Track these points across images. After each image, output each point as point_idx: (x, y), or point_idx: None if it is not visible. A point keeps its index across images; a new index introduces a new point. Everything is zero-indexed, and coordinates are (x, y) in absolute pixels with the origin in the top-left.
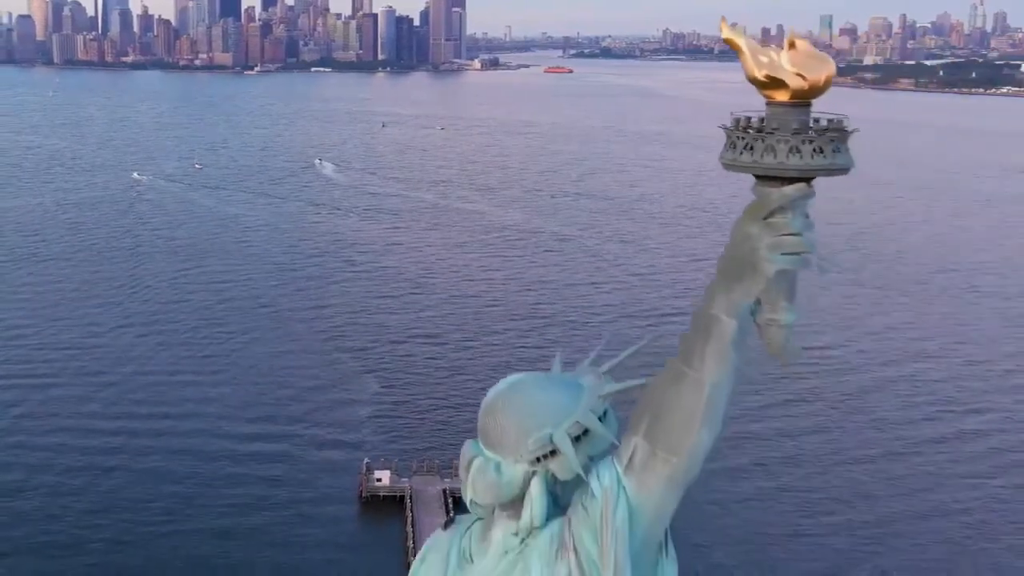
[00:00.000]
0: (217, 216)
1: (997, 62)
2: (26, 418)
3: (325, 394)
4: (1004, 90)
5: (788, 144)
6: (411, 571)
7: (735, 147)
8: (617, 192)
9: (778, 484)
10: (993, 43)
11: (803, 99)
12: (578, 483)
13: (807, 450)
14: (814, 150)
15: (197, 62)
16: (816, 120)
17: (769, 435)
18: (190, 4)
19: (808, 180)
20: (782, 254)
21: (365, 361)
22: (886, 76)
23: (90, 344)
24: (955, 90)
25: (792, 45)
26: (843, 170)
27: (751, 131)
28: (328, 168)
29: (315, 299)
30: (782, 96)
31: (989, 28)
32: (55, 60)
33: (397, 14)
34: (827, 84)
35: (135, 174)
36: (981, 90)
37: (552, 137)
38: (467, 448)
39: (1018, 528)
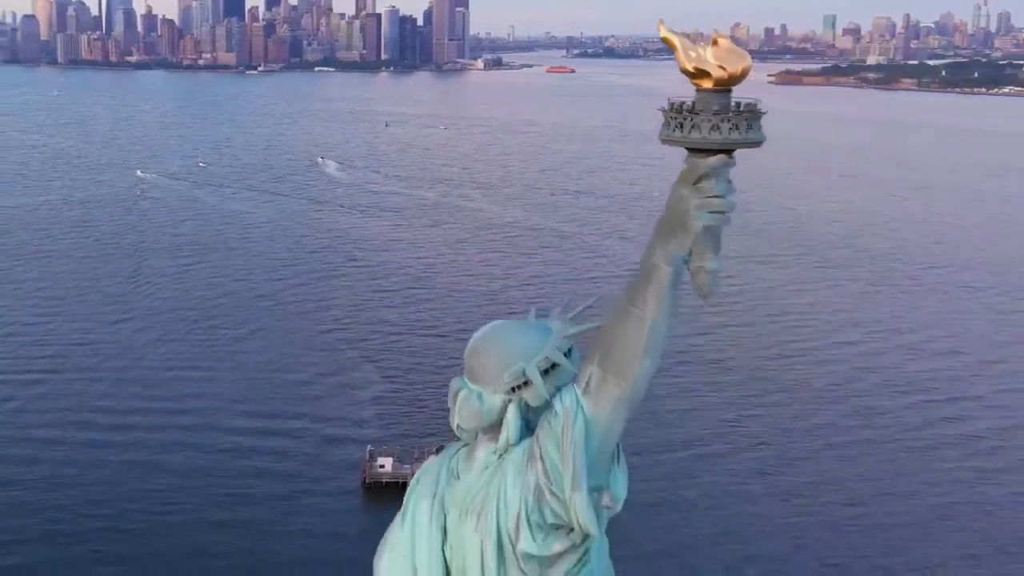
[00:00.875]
0: (221, 213)
1: (1000, 62)
2: (32, 407)
3: (328, 384)
4: (1006, 90)
5: (711, 123)
6: (407, 494)
7: (669, 125)
8: (617, 190)
9: (755, 467)
10: (997, 43)
11: (724, 86)
12: (546, 408)
13: (788, 434)
14: (731, 127)
15: (201, 62)
16: (736, 103)
17: (753, 421)
18: (194, 4)
19: (728, 152)
20: (708, 212)
21: (367, 352)
22: (888, 76)
23: (94, 337)
24: (957, 90)
25: (715, 43)
26: (756, 143)
27: (682, 112)
28: (331, 166)
29: (317, 293)
30: (707, 84)
31: (993, 28)
32: (59, 60)
33: (400, 14)
34: (744, 74)
35: (139, 172)
36: (983, 90)
37: (553, 136)
38: (454, 383)
39: (985, 511)
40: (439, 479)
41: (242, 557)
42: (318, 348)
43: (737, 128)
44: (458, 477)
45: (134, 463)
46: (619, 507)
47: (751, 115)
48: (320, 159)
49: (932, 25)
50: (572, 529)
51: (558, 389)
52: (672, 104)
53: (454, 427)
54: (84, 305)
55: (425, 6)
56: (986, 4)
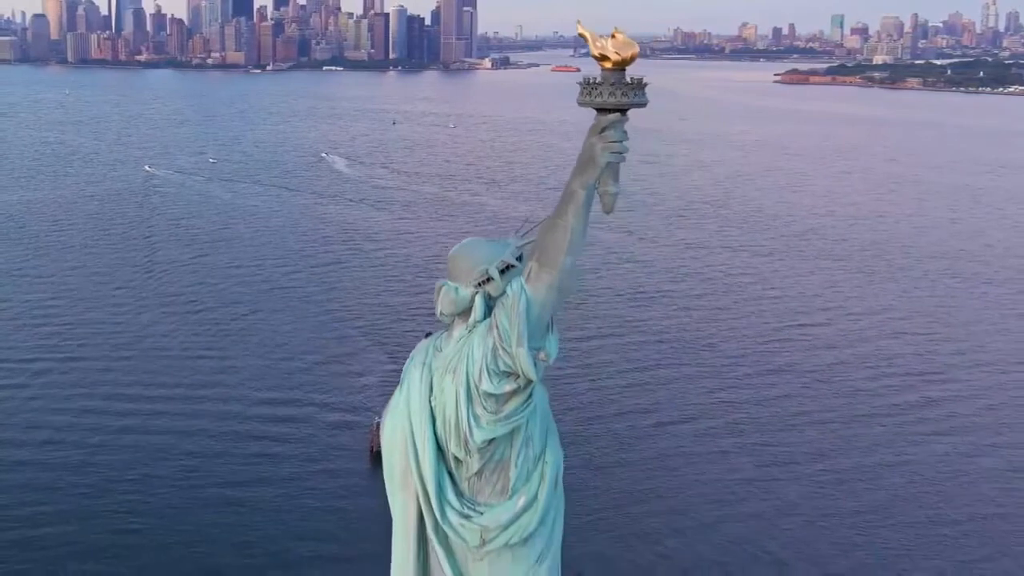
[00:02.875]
0: (231, 206)
1: (1006, 61)
2: (50, 391)
3: (336, 365)
4: (1011, 89)
5: (610, 91)
6: (403, 369)
7: (583, 93)
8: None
9: (743, 441)
10: (1005, 42)
11: (619, 66)
12: (502, 295)
13: (773, 413)
14: (623, 94)
15: (210, 61)
16: (629, 78)
17: (741, 400)
18: (203, 3)
19: (623, 111)
20: (610, 153)
21: (374, 336)
22: (894, 75)
23: (110, 324)
24: (962, 89)
25: (614, 36)
26: (641, 105)
27: (591, 84)
28: (340, 163)
29: (325, 282)
30: (608, 65)
31: (1002, 27)
32: (69, 59)
33: (408, 13)
34: (633, 58)
35: (147, 167)
36: (988, 89)
37: (560, 134)
38: (438, 283)
39: (960, 485)
40: (427, 353)
41: (253, 515)
42: (327, 333)
43: (627, 95)
44: (440, 349)
45: (150, 441)
46: (551, 361)
47: (637, 86)
48: (324, 154)
49: (940, 25)
50: (519, 376)
51: (510, 282)
52: (585, 79)
53: (437, 314)
54: (99, 294)
55: (433, 6)
56: (995, 3)
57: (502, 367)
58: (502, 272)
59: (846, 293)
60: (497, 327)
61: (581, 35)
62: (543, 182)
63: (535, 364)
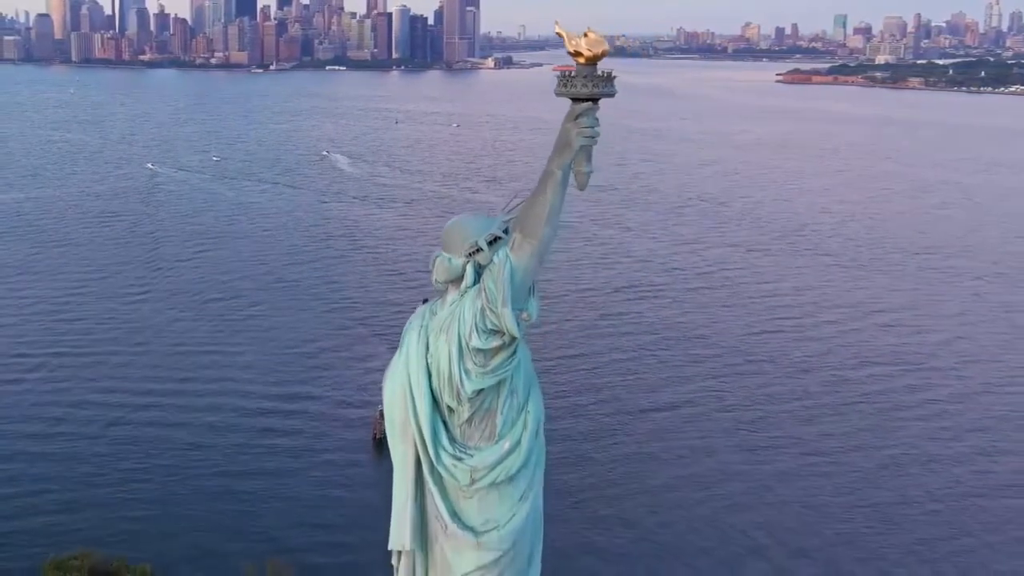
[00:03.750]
0: (235, 203)
1: (1008, 61)
2: (63, 378)
3: (339, 355)
4: (1013, 89)
5: (582, 82)
6: (403, 333)
7: (559, 85)
8: (620, 184)
9: (729, 427)
10: (1009, 42)
11: (591, 62)
12: (490, 263)
13: (759, 401)
14: (594, 85)
15: (213, 60)
16: (600, 71)
17: (729, 388)
18: (206, 3)
19: (594, 100)
20: (583, 137)
21: (375, 328)
22: (896, 75)
23: (118, 316)
24: (964, 89)
25: (586, 35)
26: (610, 95)
27: (567, 77)
28: (343, 161)
29: (327, 276)
30: (581, 60)
31: (1005, 27)
32: (73, 58)
33: (411, 13)
34: (603, 55)
35: (149, 165)
36: (989, 89)
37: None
38: (434, 254)
39: (930, 465)
40: (424, 317)
41: (261, 503)
42: (329, 325)
43: (597, 86)
44: (435, 313)
45: (159, 430)
46: (533, 320)
47: (607, 78)
48: (325, 152)
49: (943, 25)
50: (504, 334)
51: (497, 252)
52: (562, 72)
53: (433, 282)
54: (108, 287)
55: (436, 5)
56: (998, 3)
57: (489, 326)
58: (490, 243)
59: (837, 287)
60: (485, 291)
61: (559, 34)
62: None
63: (518, 323)
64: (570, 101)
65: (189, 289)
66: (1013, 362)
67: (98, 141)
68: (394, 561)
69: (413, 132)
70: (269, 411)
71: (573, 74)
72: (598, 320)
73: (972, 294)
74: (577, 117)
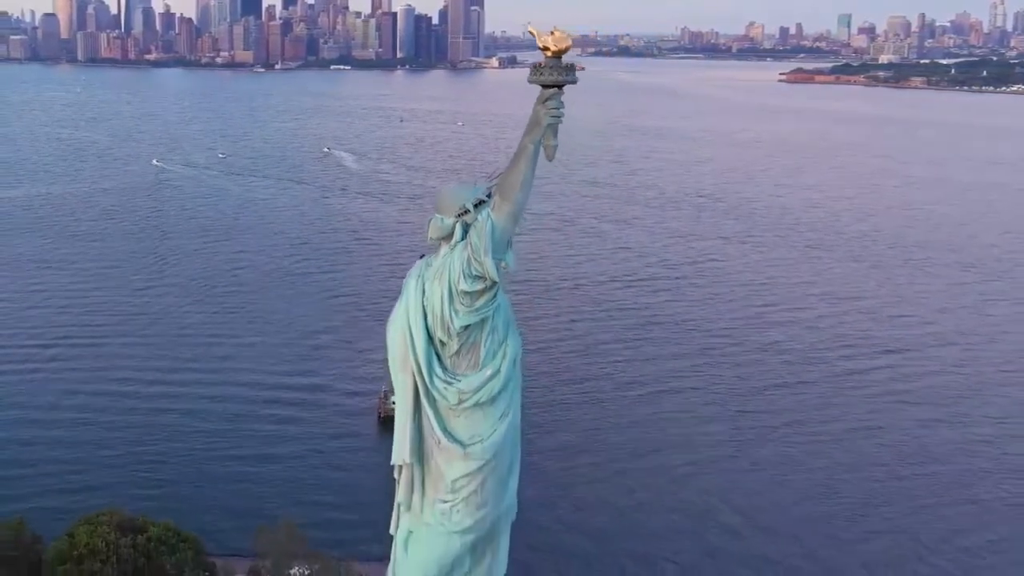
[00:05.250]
0: (241, 199)
1: (1011, 60)
2: (78, 366)
3: (345, 341)
4: (1015, 88)
5: (549, 72)
6: (403, 283)
7: (531, 74)
8: (619, 180)
9: (722, 409)
10: (1013, 42)
11: (557, 55)
12: (475, 222)
13: (752, 384)
14: (559, 73)
15: (219, 60)
16: (564, 63)
17: (723, 373)
18: (212, 2)
19: (559, 87)
20: (551, 117)
21: (378, 316)
22: (898, 75)
23: (130, 306)
24: (966, 88)
25: (552, 33)
26: (573, 82)
27: (537, 67)
28: (348, 159)
29: (332, 267)
30: (548, 53)
31: (1010, 27)
32: (79, 57)
33: (416, 12)
34: (567, 49)
35: (154, 161)
36: (991, 88)
37: (563, 131)
38: (429, 217)
39: (902, 438)
40: (421, 268)
41: (271, 480)
42: (335, 313)
43: (562, 75)
44: (430, 265)
45: (172, 412)
46: (511, 268)
47: (570, 68)
48: (326, 149)
49: (948, 24)
50: (486, 279)
51: (481, 212)
52: (534, 64)
53: (428, 239)
54: (119, 279)
55: (440, 5)
56: (1003, 3)
57: (474, 272)
58: (475, 206)
59: (829, 278)
60: (471, 244)
61: (530, 32)
62: (544, 176)
63: (498, 270)
64: (540, 88)
65: (198, 281)
66: (985, 345)
67: (107, 139)
68: (396, 475)
69: (417, 130)
70: (280, 397)
71: (542, 65)
72: (591, 307)
73: (963, 287)
74: (546, 101)
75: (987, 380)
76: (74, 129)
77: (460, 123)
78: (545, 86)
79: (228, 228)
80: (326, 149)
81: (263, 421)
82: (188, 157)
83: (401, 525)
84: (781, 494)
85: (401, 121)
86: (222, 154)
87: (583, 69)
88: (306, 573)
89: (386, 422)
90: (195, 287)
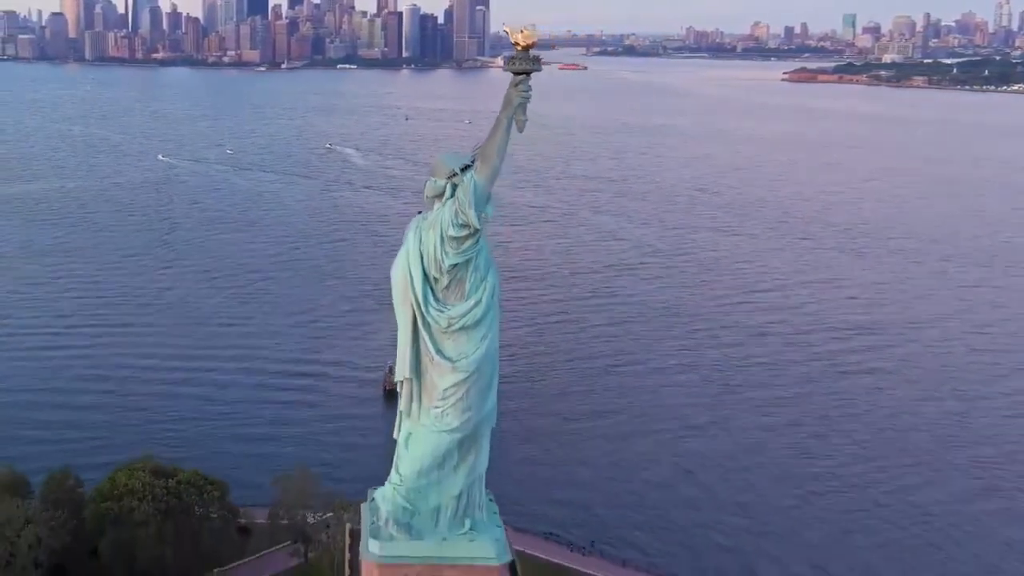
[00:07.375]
0: (249, 192)
1: (1013, 60)
2: (98, 346)
3: (351, 323)
4: (1016, 87)
5: (519, 62)
6: (404, 234)
7: (505, 64)
8: (617, 175)
9: (705, 390)
10: (1018, 42)
11: (526, 49)
12: (462, 183)
13: (737, 366)
14: (527, 63)
15: (225, 59)
16: (532, 55)
17: (709, 355)
18: (218, 2)
19: (528, 74)
20: (520, 97)
21: (382, 299)
22: (901, 74)
23: (149, 292)
24: (967, 87)
25: (522, 31)
26: (538, 71)
27: (511, 58)
28: (354, 155)
29: (337, 255)
30: (519, 47)
31: (1015, 27)
32: (87, 56)
33: (421, 12)
34: (534, 44)
35: (160, 156)
36: (992, 87)
37: (563, 130)
38: (426, 180)
39: (878, 413)
40: (418, 221)
41: (285, 445)
42: (342, 298)
43: (529, 64)
44: (426, 218)
45: (199, 383)
46: (490, 218)
47: (535, 60)
48: (328, 145)
49: (953, 24)
50: (469, 227)
51: (466, 174)
52: (507, 56)
53: (424, 198)
54: (138, 267)
55: (446, 4)
56: (1008, 3)
57: (460, 221)
58: (463, 169)
59: (816, 267)
60: (458, 199)
61: (505, 31)
62: (546, 171)
63: (479, 219)
64: (512, 75)
65: (211, 268)
66: (961, 330)
67: (117, 136)
68: (399, 388)
69: (422, 128)
70: (292, 374)
71: (514, 56)
72: (587, 293)
73: (943, 277)
74: (517, 84)
75: (959, 360)
76: (85, 126)
77: (468, 121)
78: (516, 73)
79: (236, 220)
80: (328, 145)
81: (280, 390)
82: (197, 153)
83: (403, 429)
84: (758, 457)
85: (407, 119)
86: (230, 150)
87: (585, 68)
88: (320, 516)
89: (390, 394)
90: (211, 274)
